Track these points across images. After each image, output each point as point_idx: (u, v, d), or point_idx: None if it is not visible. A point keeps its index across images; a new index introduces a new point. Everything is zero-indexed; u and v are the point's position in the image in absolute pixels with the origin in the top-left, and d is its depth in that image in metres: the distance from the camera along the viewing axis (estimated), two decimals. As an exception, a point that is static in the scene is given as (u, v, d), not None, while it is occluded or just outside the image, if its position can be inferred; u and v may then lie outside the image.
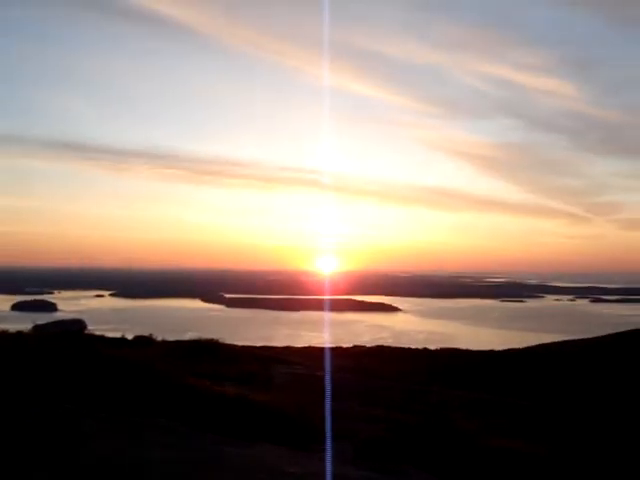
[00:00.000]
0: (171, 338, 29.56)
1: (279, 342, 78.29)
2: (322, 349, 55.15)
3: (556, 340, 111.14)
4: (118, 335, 26.24)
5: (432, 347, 71.18)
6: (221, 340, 27.70)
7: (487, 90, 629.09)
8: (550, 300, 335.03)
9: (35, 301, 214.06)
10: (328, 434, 8.87)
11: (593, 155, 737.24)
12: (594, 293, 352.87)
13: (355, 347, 64.48)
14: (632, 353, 65.66)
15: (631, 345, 72.01)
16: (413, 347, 70.83)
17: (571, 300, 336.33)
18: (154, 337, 25.46)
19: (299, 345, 63.11)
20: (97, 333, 24.52)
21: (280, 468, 6.37)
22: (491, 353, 68.64)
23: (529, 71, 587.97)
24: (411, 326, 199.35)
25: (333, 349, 58.50)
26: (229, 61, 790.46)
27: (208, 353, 24.11)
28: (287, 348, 56.39)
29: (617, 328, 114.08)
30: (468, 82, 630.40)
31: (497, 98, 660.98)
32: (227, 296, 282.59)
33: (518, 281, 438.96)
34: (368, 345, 70.76)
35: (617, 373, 54.19)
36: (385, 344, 77.45)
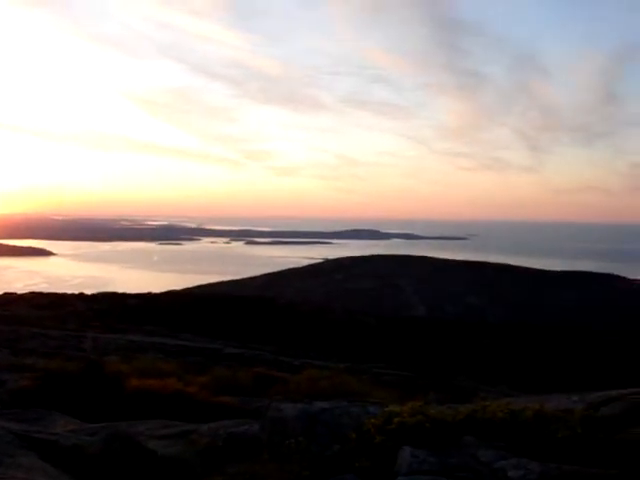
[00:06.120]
0: None
1: None
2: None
3: (212, 281, 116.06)
4: None
5: (89, 292, 69.93)
6: None
7: (151, 32, 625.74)
8: (206, 243, 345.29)
9: None
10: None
11: (252, 103, 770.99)
12: (248, 235, 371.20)
13: (5, 294, 61.10)
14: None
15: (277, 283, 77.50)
16: (69, 292, 69.07)
17: (227, 242, 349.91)
18: None
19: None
20: None
21: None
22: (149, 295, 69.46)
23: (193, 16, 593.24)
24: (67, 271, 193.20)
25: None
26: None
27: None
28: None
29: (270, 268, 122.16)
30: (132, 22, 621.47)
31: (160, 41, 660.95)
32: None
33: (176, 224, 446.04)
34: (19, 292, 67.27)
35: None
36: (38, 290, 74.06)
